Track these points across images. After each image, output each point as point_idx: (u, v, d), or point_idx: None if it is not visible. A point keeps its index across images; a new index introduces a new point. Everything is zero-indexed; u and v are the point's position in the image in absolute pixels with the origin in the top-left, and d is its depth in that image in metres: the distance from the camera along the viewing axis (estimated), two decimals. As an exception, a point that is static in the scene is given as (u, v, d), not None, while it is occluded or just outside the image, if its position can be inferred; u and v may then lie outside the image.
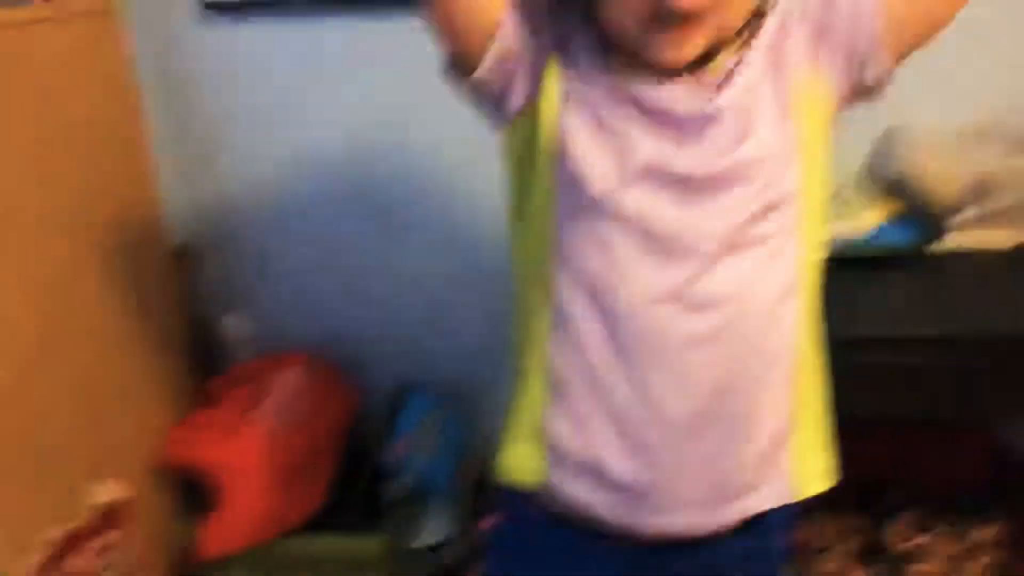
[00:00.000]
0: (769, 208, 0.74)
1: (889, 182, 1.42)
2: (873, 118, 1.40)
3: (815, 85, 0.76)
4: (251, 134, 1.51)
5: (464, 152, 1.41)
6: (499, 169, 0.84)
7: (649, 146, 0.73)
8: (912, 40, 0.77)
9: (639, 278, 0.74)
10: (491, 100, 0.77)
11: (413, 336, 1.60)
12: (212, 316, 1.57)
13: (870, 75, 0.76)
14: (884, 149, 1.44)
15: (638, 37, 0.70)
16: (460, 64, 0.76)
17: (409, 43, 1.37)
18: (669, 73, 0.73)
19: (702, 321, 0.74)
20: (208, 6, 1.42)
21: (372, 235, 1.55)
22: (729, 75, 0.74)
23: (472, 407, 1.59)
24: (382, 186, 1.52)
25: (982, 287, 1.17)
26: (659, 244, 0.74)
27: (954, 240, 1.26)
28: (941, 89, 1.36)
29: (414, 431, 1.47)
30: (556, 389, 0.79)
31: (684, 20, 0.67)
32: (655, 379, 0.75)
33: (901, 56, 0.77)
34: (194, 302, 1.56)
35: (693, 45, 0.71)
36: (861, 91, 0.78)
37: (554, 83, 0.75)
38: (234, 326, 1.57)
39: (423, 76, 1.38)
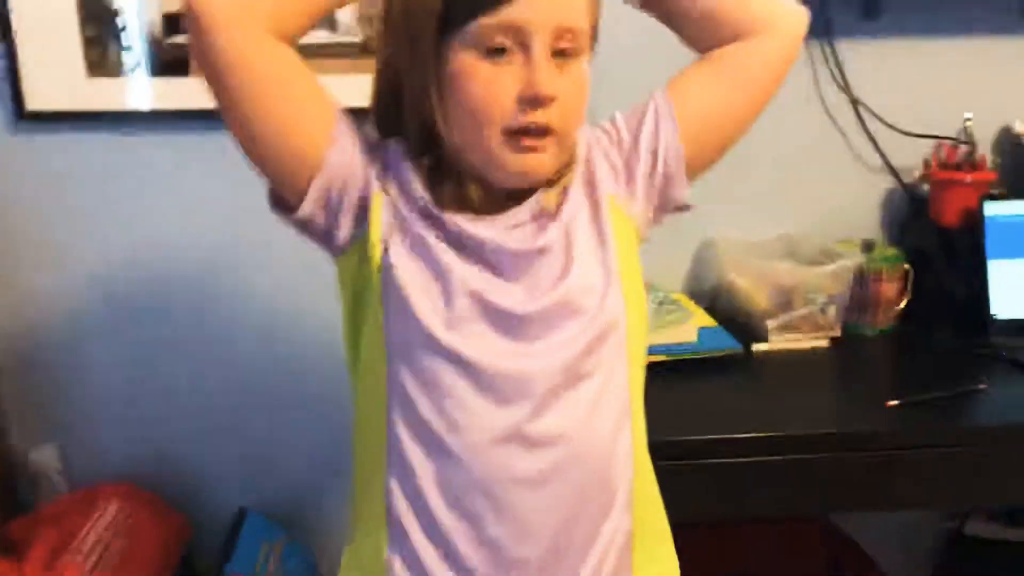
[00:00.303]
0: (600, 338, 0.76)
1: (709, 292, 1.55)
2: (692, 232, 1.55)
3: (626, 211, 0.81)
4: (55, 250, 1.42)
5: (290, 270, 1.39)
6: (329, 290, 0.82)
7: (478, 284, 0.74)
8: (709, 161, 0.86)
9: (474, 420, 0.72)
10: (317, 234, 0.77)
11: (248, 457, 1.51)
12: (16, 450, 1.42)
13: (674, 196, 0.84)
14: (703, 261, 1.57)
15: (492, 155, 0.72)
16: (283, 201, 0.76)
17: (222, 159, 1.40)
18: (494, 208, 0.76)
19: (541, 461, 0.73)
20: (23, 116, 1.35)
21: (193, 353, 1.48)
22: (555, 209, 0.77)
23: (316, 534, 1.51)
24: (201, 302, 1.47)
25: (799, 385, 1.28)
26: (492, 384, 0.72)
27: (768, 344, 1.38)
28: (749, 207, 1.53)
29: (252, 560, 1.36)
30: (394, 530, 0.75)
31: (538, 133, 0.71)
32: (495, 524, 0.73)
33: (697, 175, 0.86)
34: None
35: (541, 163, 0.74)
36: (667, 211, 0.86)
37: (380, 218, 0.75)
38: (42, 459, 1.42)
39: (240, 192, 1.40)
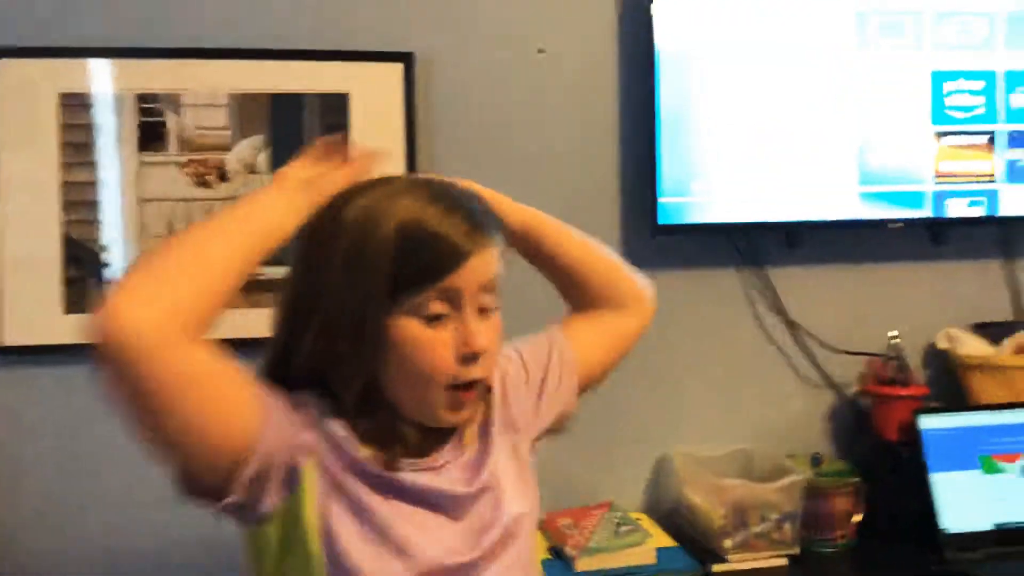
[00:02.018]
0: (530, 558, 0.84)
1: (668, 509, 1.56)
2: (650, 449, 1.59)
3: (531, 433, 0.91)
4: (30, 482, 1.42)
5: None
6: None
7: (427, 537, 0.77)
8: (594, 386, 0.98)
9: None
10: (237, 511, 0.73)
11: None
12: None
13: (563, 427, 0.95)
14: (661, 478, 1.60)
15: (433, 410, 0.78)
16: (199, 489, 0.72)
17: None
18: (426, 452, 0.80)
19: None
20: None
21: None
22: (485, 448, 0.84)
23: None
24: (161, 545, 1.43)
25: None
26: None
27: (728, 564, 1.38)
28: (703, 424, 1.59)
29: None
30: None
31: (471, 386, 0.78)
32: None
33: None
34: None
35: (472, 411, 0.82)
36: (557, 431, 0.95)
37: (314, 486, 0.74)
38: None
39: None
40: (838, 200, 1.57)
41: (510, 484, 0.84)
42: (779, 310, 1.62)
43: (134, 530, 1.44)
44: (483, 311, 0.78)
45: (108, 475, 1.43)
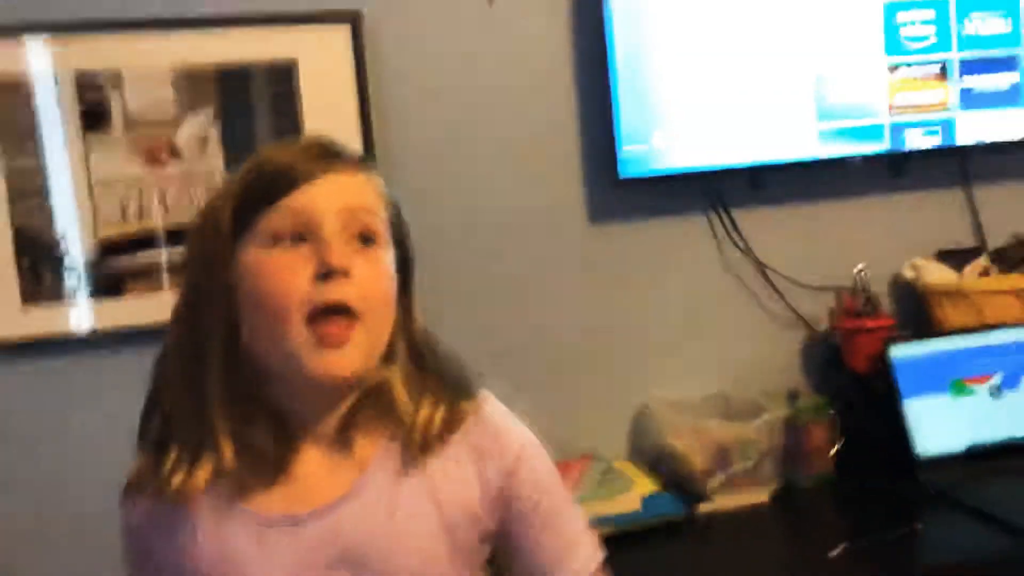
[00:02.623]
0: None
1: (650, 455, 1.58)
2: (630, 398, 1.60)
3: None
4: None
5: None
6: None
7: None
8: None
9: None
10: None
11: None
12: None
13: None
14: (642, 426, 1.61)
15: (294, 354, 0.69)
16: None
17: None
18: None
19: None
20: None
21: None
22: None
23: None
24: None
25: (744, 545, 1.29)
26: None
27: (712, 504, 1.40)
28: (680, 370, 1.60)
29: None
30: None
31: (339, 315, 0.69)
32: None
33: None
34: None
35: (345, 358, 0.70)
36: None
37: None
38: None
39: None
40: (797, 139, 1.57)
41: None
42: (746, 251, 1.62)
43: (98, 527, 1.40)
44: (360, 241, 0.72)
45: (70, 467, 1.40)
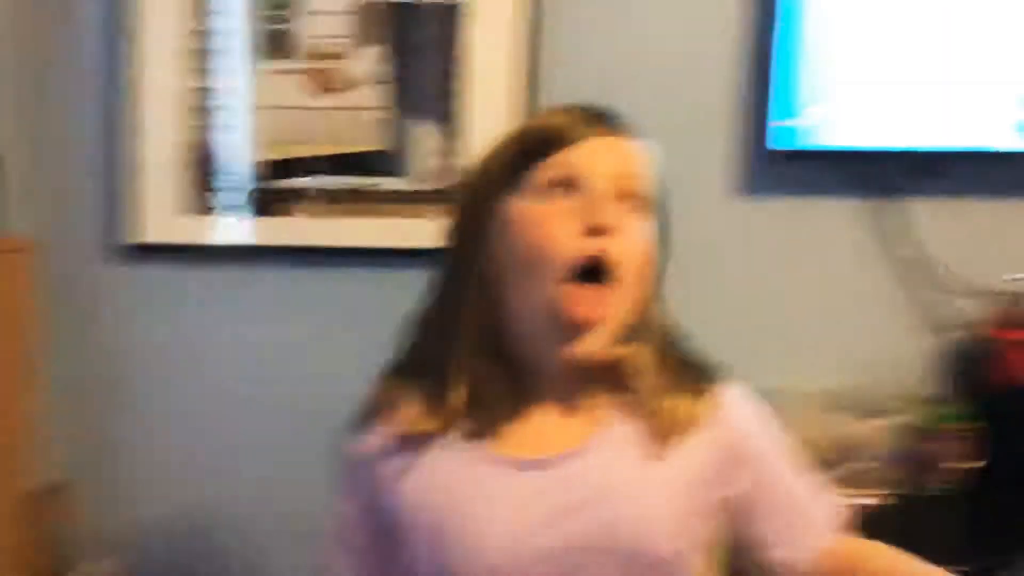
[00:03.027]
0: None
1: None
2: (751, 382, 1.55)
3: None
4: (149, 374, 1.53)
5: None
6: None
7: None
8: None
9: None
10: None
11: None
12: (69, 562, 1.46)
13: None
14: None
15: (553, 304, 0.70)
16: None
17: (313, 293, 1.50)
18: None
19: None
20: (121, 248, 1.49)
21: (264, 487, 1.51)
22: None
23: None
24: (277, 436, 1.51)
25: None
26: None
27: (823, 497, 1.35)
28: (800, 358, 1.53)
29: None
30: None
31: (599, 276, 0.70)
32: None
33: None
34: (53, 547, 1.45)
35: (603, 313, 0.71)
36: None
37: None
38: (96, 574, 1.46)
39: (330, 326, 1.50)
40: (989, 126, 1.44)
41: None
42: (900, 243, 1.52)
43: (241, 424, 1.53)
44: (626, 200, 0.72)
45: (229, 366, 1.53)
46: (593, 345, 0.73)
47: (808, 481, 0.82)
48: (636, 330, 0.75)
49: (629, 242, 0.71)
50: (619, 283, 0.71)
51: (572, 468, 0.73)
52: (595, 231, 0.69)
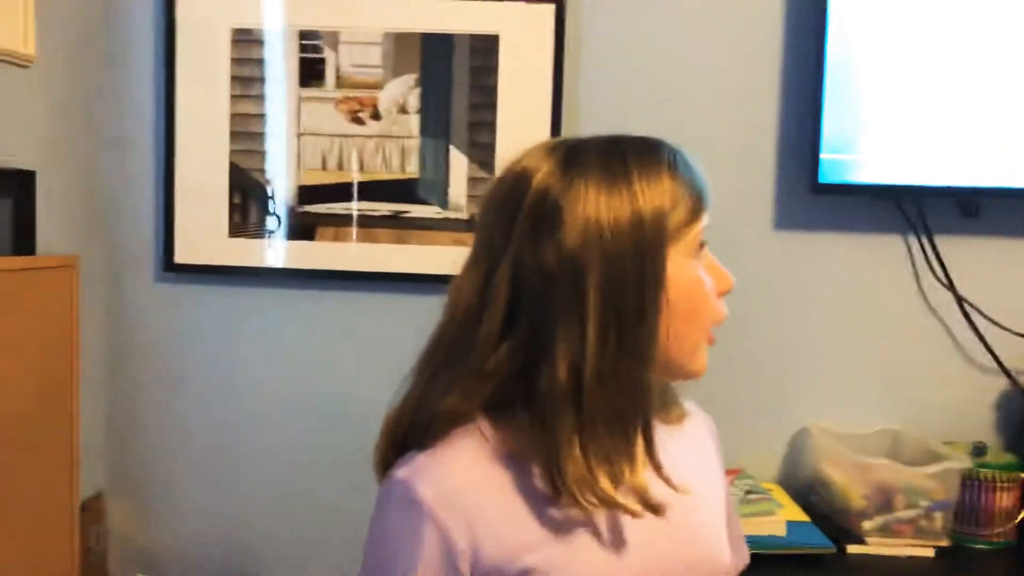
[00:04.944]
0: None
1: (804, 483, 1.48)
2: (789, 420, 1.51)
3: None
4: (187, 392, 1.55)
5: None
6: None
7: None
8: None
9: None
10: None
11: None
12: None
13: None
14: (798, 451, 1.51)
15: (696, 355, 0.73)
16: None
17: (347, 315, 1.51)
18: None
19: None
20: (167, 268, 1.52)
21: (291, 500, 1.53)
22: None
23: None
24: (313, 456, 1.53)
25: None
26: None
27: (865, 547, 1.29)
28: (849, 399, 1.49)
29: None
30: None
31: None
32: None
33: None
34: (92, 560, 1.46)
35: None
36: None
37: None
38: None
39: (362, 349, 1.50)
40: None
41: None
42: (948, 283, 1.47)
43: (288, 437, 1.54)
44: None
45: (265, 383, 1.54)
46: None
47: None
48: None
49: None
50: None
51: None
52: (724, 294, 0.74)
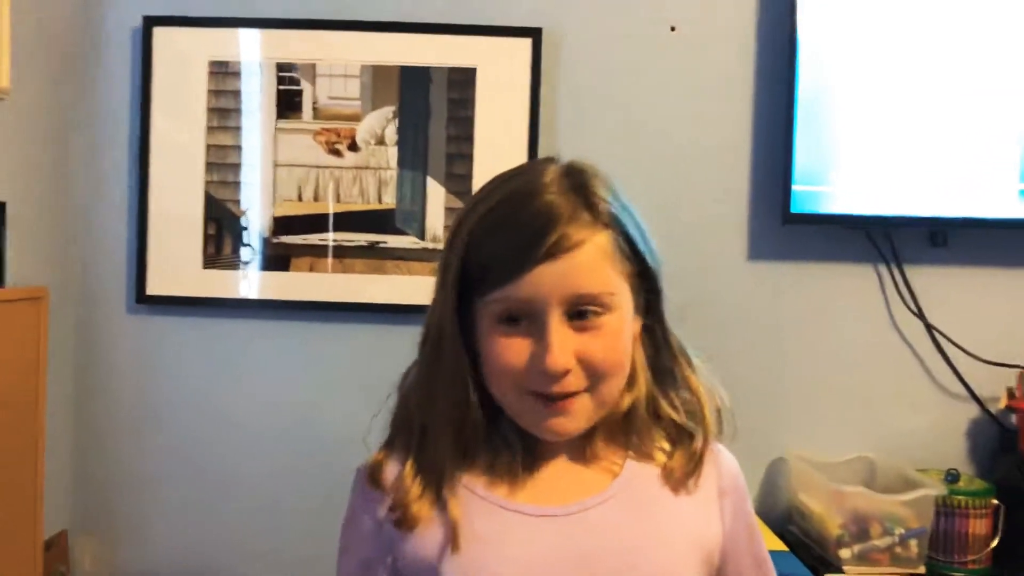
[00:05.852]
0: None
1: (781, 513, 1.48)
2: (764, 449, 1.52)
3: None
4: (158, 427, 1.52)
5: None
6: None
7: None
8: None
9: None
10: None
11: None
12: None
13: None
14: (774, 480, 1.52)
15: (518, 414, 0.71)
16: None
17: (323, 346, 1.50)
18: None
19: None
20: (139, 300, 1.50)
21: (263, 521, 1.51)
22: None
23: None
24: (289, 485, 1.51)
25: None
26: None
27: (841, 575, 1.29)
28: (823, 428, 1.50)
29: None
30: None
31: (565, 397, 0.69)
32: None
33: None
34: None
35: (572, 424, 0.71)
36: None
37: None
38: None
39: (338, 380, 1.49)
40: (992, 196, 1.44)
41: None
42: (918, 312, 1.50)
43: (264, 471, 1.52)
44: (583, 317, 0.69)
45: (239, 417, 1.52)
46: (569, 430, 0.71)
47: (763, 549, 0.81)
48: (629, 382, 0.74)
49: (589, 361, 0.69)
50: (586, 393, 0.70)
51: (591, 517, 0.72)
52: (545, 377, 0.68)
